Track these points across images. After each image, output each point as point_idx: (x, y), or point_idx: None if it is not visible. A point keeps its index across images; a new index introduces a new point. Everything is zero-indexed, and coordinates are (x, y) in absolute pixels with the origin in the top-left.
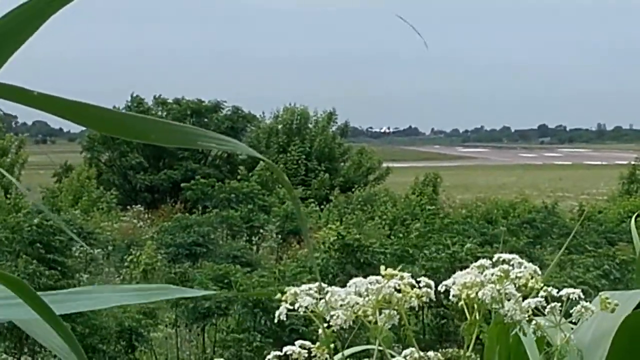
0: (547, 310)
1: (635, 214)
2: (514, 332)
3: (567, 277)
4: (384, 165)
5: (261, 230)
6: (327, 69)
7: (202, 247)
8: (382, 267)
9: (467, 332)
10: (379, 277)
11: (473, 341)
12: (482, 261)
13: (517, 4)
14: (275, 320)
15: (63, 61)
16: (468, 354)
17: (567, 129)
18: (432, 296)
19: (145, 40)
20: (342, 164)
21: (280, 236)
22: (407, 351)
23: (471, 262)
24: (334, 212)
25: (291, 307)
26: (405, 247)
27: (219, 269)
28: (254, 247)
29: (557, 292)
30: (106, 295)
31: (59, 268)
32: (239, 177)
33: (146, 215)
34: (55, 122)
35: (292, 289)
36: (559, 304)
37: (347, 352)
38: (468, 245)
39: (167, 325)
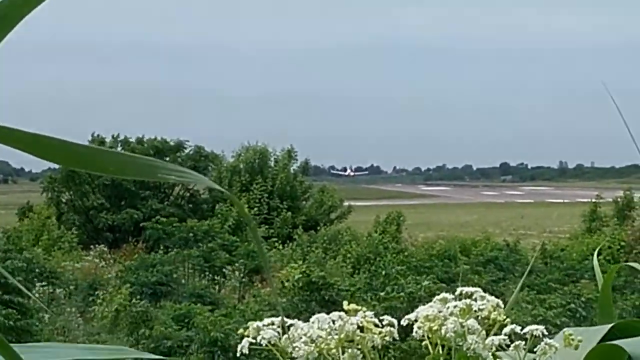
0: (511, 348)
1: (597, 249)
2: None
3: (529, 315)
4: (346, 203)
5: (223, 270)
6: (287, 109)
7: (165, 287)
8: (345, 303)
9: None
10: (341, 313)
11: None
12: (444, 294)
13: (473, 44)
14: (238, 354)
15: (12, 100)
16: None
17: (529, 166)
18: (396, 335)
19: (102, 78)
20: (304, 202)
21: (242, 275)
22: None
23: (429, 301)
24: (297, 250)
25: (253, 341)
26: (370, 285)
27: (179, 308)
28: (217, 286)
29: (521, 330)
30: (64, 351)
31: (18, 308)
32: (212, 214)
33: (108, 255)
34: (16, 161)
35: (255, 323)
36: (523, 342)
37: None
38: (425, 283)
39: None
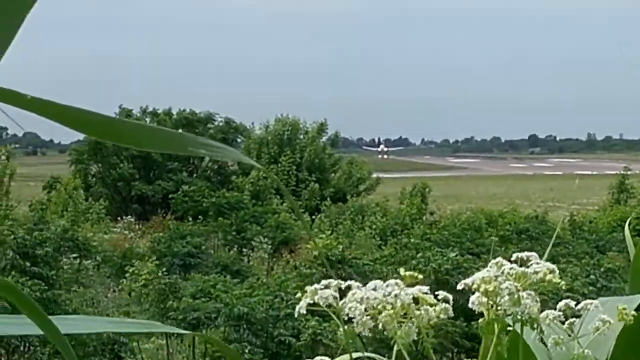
0: (565, 325)
1: (628, 220)
2: (508, 336)
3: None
4: (374, 175)
5: (252, 242)
6: (317, 78)
7: (195, 258)
8: (402, 270)
9: (486, 331)
10: (398, 281)
11: (493, 344)
12: (499, 259)
13: (506, 12)
14: (295, 315)
15: (42, 72)
16: None
17: (557, 139)
18: (451, 312)
19: (133, 50)
20: (333, 174)
21: (271, 247)
22: None
23: (455, 275)
24: (325, 222)
25: (311, 302)
26: (392, 259)
27: (207, 280)
28: (245, 258)
29: (576, 305)
30: (95, 324)
31: (46, 280)
32: (231, 186)
33: (137, 226)
34: (45, 133)
35: (312, 287)
36: (577, 319)
37: (364, 354)
38: (452, 255)
39: (158, 336)
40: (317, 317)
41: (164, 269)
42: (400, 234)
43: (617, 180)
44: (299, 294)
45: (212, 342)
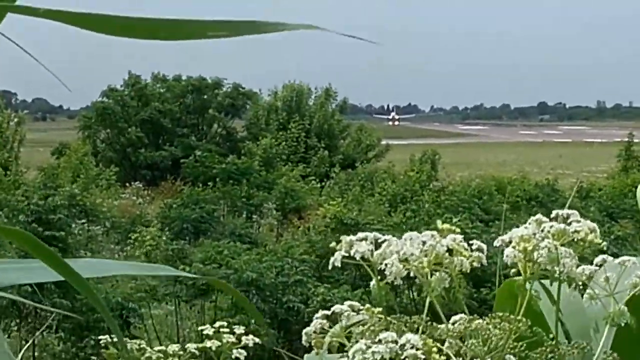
0: (601, 279)
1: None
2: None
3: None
4: (384, 142)
5: (261, 208)
6: (328, 46)
7: (205, 224)
8: (439, 222)
9: (521, 289)
10: (434, 232)
11: (527, 300)
12: (539, 216)
13: None
14: (330, 267)
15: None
16: (519, 317)
17: (567, 106)
18: (484, 261)
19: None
20: (342, 141)
21: (280, 213)
22: (456, 317)
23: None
24: (334, 189)
25: (346, 255)
26: (403, 225)
27: (217, 246)
28: (254, 225)
29: (613, 261)
30: (106, 266)
31: (59, 245)
32: (242, 152)
33: (146, 192)
34: (55, 99)
35: (347, 238)
36: (614, 274)
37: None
38: (455, 219)
39: (167, 302)
40: (325, 285)
41: (171, 236)
42: (409, 201)
43: (624, 147)
44: (332, 244)
45: (229, 291)
